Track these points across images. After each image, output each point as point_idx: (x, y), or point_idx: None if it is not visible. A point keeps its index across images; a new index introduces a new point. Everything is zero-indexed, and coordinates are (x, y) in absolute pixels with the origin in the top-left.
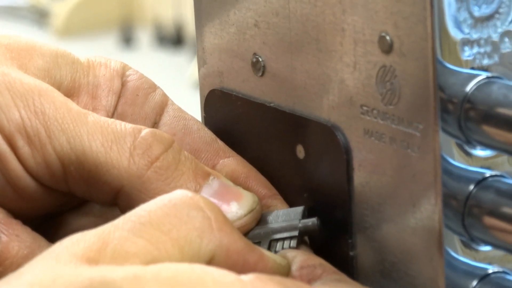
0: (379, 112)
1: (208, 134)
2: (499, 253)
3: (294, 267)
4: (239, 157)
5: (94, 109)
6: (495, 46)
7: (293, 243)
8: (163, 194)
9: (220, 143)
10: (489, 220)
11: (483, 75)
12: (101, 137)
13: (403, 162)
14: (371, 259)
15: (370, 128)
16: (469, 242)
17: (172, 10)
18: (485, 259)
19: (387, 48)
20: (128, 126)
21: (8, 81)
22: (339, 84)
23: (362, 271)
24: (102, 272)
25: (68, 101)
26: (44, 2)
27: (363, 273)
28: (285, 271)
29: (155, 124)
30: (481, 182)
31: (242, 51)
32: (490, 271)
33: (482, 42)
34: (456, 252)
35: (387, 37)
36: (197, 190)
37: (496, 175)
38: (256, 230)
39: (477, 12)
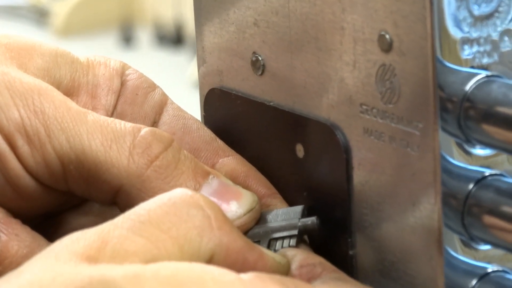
0: (379, 111)
1: (207, 133)
2: (499, 252)
3: (294, 266)
4: (238, 156)
5: (94, 108)
6: (495, 45)
7: (293, 242)
8: (162, 193)
9: (220, 142)
10: (489, 219)
11: (483, 74)
12: (101, 136)
13: (402, 161)
14: (370, 258)
15: (369, 127)
16: (469, 241)
17: (172, 10)
18: (484, 258)
19: (386, 46)
20: (128, 125)
21: (8, 80)
22: (338, 83)
23: (361, 270)
24: (102, 270)
25: (68, 100)
26: (44, 1)
27: (362, 272)
28: (284, 270)
29: (154, 123)
30: (480, 181)
31: (241, 50)
32: (489, 270)
33: (481, 40)
34: (456, 251)
35: (387, 36)
36: (196, 189)
37: (495, 174)
38: (255, 229)
39: (476, 11)
